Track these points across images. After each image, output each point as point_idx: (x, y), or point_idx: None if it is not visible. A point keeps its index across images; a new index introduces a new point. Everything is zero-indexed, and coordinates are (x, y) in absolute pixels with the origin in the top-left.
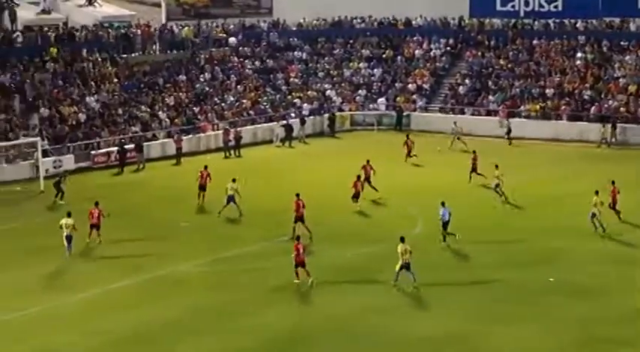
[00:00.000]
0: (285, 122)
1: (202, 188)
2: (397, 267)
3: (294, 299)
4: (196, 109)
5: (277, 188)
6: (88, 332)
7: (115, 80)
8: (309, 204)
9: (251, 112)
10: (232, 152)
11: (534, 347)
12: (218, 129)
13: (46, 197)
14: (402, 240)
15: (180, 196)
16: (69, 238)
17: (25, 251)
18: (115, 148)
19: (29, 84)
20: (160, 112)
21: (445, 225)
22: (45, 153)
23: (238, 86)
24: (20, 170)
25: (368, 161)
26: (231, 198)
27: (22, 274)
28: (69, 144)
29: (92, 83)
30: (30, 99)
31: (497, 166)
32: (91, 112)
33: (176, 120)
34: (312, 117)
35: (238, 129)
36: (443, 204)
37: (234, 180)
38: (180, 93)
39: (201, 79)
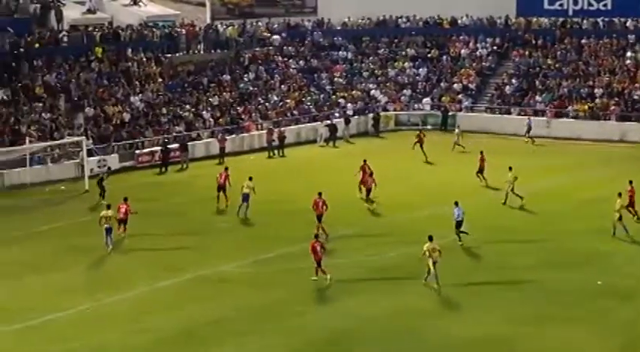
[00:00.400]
0: (329, 122)
1: (221, 189)
2: (431, 266)
3: (334, 300)
4: (240, 109)
5: (319, 188)
6: (134, 331)
7: (160, 80)
8: (351, 204)
9: (295, 112)
10: (276, 152)
11: (578, 349)
12: (262, 129)
13: (91, 196)
14: (430, 238)
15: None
16: (108, 230)
17: (70, 250)
18: (159, 148)
19: (74, 83)
20: (204, 112)
21: (459, 224)
22: (90, 153)
23: (282, 86)
24: (65, 169)
25: (365, 161)
26: (246, 197)
27: (67, 273)
28: (113, 144)
29: (137, 83)
30: (75, 99)
31: (510, 168)
32: (136, 112)
33: (220, 119)
34: (356, 117)
35: (282, 128)
36: (456, 203)
37: (250, 179)
38: (225, 93)
39: (245, 79)
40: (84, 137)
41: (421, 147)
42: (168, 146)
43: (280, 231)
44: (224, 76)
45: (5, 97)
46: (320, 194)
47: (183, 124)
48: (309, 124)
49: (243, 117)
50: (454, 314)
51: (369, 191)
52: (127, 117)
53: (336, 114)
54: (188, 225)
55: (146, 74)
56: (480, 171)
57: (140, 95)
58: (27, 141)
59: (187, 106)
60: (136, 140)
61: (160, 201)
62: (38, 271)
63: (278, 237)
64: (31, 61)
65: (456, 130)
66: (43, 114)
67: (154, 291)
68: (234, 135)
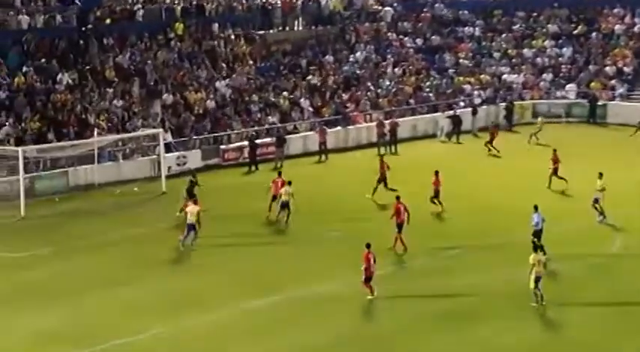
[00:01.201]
0: (452, 112)
1: (275, 199)
2: (531, 284)
3: (461, 328)
4: (345, 96)
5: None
6: None
7: (250, 61)
8: (487, 213)
9: (411, 101)
10: (387, 148)
11: None
12: (371, 121)
13: (168, 199)
14: (536, 249)
15: (325, 201)
16: (191, 227)
17: (142, 262)
18: (247, 142)
19: (151, 65)
20: (302, 100)
21: (537, 234)
22: (167, 148)
23: (396, 69)
24: (139, 167)
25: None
26: (285, 204)
27: (138, 289)
28: (195, 137)
29: (223, 65)
30: (151, 84)
31: (600, 175)
32: (221, 99)
33: (321, 109)
34: (485, 106)
35: (395, 120)
36: (536, 208)
37: (289, 183)
38: (327, 77)
39: (352, 60)
40: (161, 129)
41: (491, 144)
42: (256, 141)
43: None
44: (326, 56)
45: (71, 82)
46: (398, 198)
47: (278, 114)
48: (427, 115)
49: (348, 106)
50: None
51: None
52: (211, 105)
53: (461, 104)
54: (283, 234)
55: (234, 55)
56: (555, 172)
57: (227, 80)
58: (95, 133)
59: (283, 93)
60: (222, 133)
61: (249, 205)
62: (104, 287)
63: (391, 251)
64: (100, 40)
65: (539, 119)
66: (115, 102)
67: (241, 313)
68: (337, 128)
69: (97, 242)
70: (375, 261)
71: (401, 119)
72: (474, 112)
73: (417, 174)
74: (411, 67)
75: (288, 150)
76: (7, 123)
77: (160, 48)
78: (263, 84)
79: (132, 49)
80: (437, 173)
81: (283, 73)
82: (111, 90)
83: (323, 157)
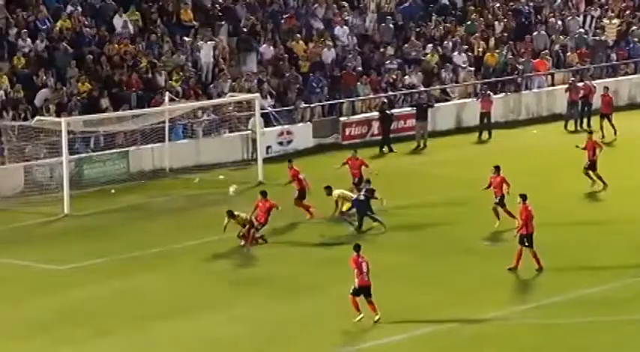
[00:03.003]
0: None
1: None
2: None
3: None
4: (520, 46)
5: None
6: None
7: None
8: None
9: (612, 56)
10: (577, 122)
11: None
12: (553, 84)
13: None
14: None
15: (476, 197)
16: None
17: (233, 279)
18: (377, 114)
19: (243, 5)
20: (456, 53)
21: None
22: (266, 120)
23: (592, 8)
24: (226, 147)
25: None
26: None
27: (227, 315)
28: (304, 106)
29: (344, 3)
30: (243, 29)
31: None
32: (342, 52)
33: (482, 66)
34: None
35: (590, 83)
36: None
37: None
38: (490, 16)
39: None
40: (257, 94)
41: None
42: (390, 111)
43: (594, 256)
44: None
45: (131, 27)
46: (524, 198)
47: (419, 74)
48: (636, 76)
49: (521, 59)
50: None
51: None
52: (329, 56)
53: None
54: (425, 243)
55: None
56: (590, 166)
57: (353, 19)
58: (166, 99)
59: (428, 45)
60: (342, 100)
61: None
62: (177, 312)
63: (587, 268)
64: None
65: None
66: (192, 54)
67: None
68: (505, 94)
69: (167, 251)
70: (368, 269)
71: (605, 80)
72: None
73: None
74: (613, 6)
75: (434, 125)
76: (46, 85)
77: None
78: (401, 30)
79: None
80: None
81: (430, 16)
82: (188, 40)
83: (484, 135)
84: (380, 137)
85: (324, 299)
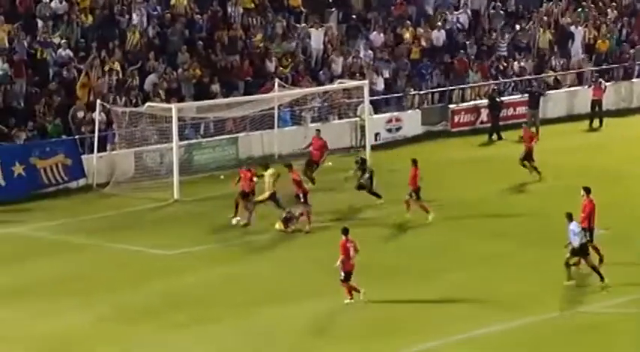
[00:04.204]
0: None
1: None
2: None
3: None
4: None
5: None
6: None
7: None
8: None
9: None
10: None
11: None
12: None
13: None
14: None
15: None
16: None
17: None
18: (486, 100)
19: None
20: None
21: (579, 250)
22: (375, 107)
23: None
24: (335, 133)
25: None
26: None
27: (336, 304)
28: (412, 93)
29: None
30: (352, 17)
31: None
32: (455, 34)
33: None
34: None
35: None
36: (570, 217)
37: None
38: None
39: None
40: (365, 81)
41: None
42: (499, 98)
43: None
44: None
45: (242, 12)
46: (587, 190)
47: (531, 59)
48: None
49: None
50: None
51: None
52: (439, 38)
53: None
54: (526, 231)
55: None
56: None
57: (464, 5)
58: (276, 85)
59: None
60: (452, 87)
61: (480, 188)
62: (284, 300)
63: None
64: None
65: None
66: (302, 41)
67: (463, 344)
68: (615, 82)
69: (274, 237)
70: (356, 252)
71: None
72: None
73: None
74: None
75: (544, 112)
76: (155, 70)
77: None
78: (512, 16)
79: None
80: None
81: (542, 2)
82: (301, 26)
83: (595, 123)
84: (489, 124)
85: (434, 287)
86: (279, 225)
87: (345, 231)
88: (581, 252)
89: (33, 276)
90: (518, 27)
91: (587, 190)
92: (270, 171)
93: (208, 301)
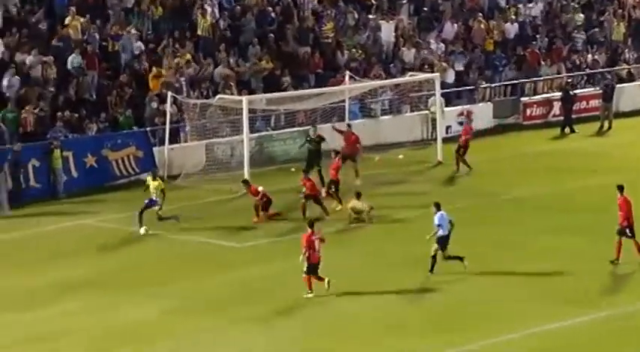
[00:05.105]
0: None
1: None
2: None
3: None
4: None
5: None
6: None
7: None
8: None
9: None
10: None
11: None
12: None
13: (445, 172)
14: None
15: None
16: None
17: (410, 260)
18: (558, 93)
19: None
20: None
21: (442, 241)
22: (447, 100)
23: None
24: (406, 126)
25: None
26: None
27: (405, 298)
28: (484, 86)
29: None
30: (424, 10)
31: None
32: (529, 24)
33: None
34: None
35: None
36: (438, 206)
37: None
38: None
39: None
40: (437, 74)
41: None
42: (572, 92)
43: None
44: None
45: (316, 3)
46: (621, 189)
47: (605, 51)
48: None
49: None
50: None
51: None
52: (512, 31)
53: None
54: (609, 228)
55: None
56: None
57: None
58: (347, 77)
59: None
60: (523, 80)
61: (555, 183)
62: (354, 292)
63: None
64: None
65: None
66: (373, 33)
67: (533, 338)
68: None
69: (345, 229)
70: (322, 243)
71: None
72: None
73: None
74: None
75: (617, 106)
76: (225, 61)
77: None
78: (588, 3)
79: None
80: None
81: None
82: (372, 16)
83: None
84: (561, 118)
85: (502, 281)
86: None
87: (311, 224)
88: (441, 242)
89: (100, 267)
90: (591, 19)
91: (621, 188)
92: (156, 183)
93: (280, 293)
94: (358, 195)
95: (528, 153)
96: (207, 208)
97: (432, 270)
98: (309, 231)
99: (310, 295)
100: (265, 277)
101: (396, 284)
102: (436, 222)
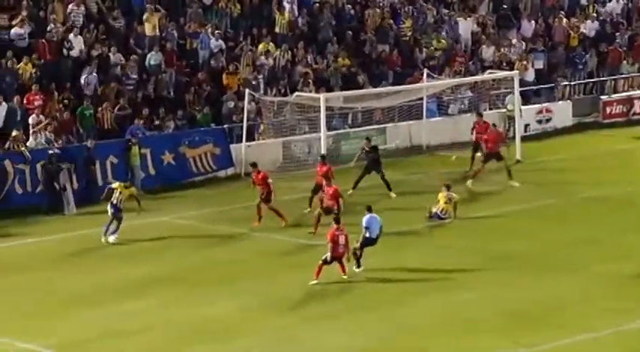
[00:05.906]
0: None
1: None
2: None
3: None
4: None
5: None
6: None
7: None
8: None
9: None
10: None
11: None
12: None
13: (525, 171)
14: None
15: None
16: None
17: (489, 256)
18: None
19: None
20: None
21: (368, 243)
22: (525, 98)
23: None
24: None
25: None
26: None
27: (481, 294)
28: (564, 84)
29: None
30: (503, 7)
31: None
32: (605, 22)
33: None
34: None
35: None
36: (369, 209)
37: None
38: None
39: None
40: (515, 71)
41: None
42: None
43: None
44: None
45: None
46: None
47: None
48: None
49: None
50: None
51: None
52: (592, 29)
53: None
54: None
55: None
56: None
57: None
58: (424, 75)
59: None
60: (604, 78)
61: (634, 182)
62: (431, 290)
63: None
64: None
65: None
66: (452, 30)
67: (610, 338)
68: None
69: (418, 229)
70: (347, 241)
71: None
72: None
73: None
74: None
75: None
76: (304, 60)
77: None
78: None
79: None
80: None
81: None
82: (451, 13)
83: None
84: None
85: (579, 280)
86: None
87: (337, 221)
88: (366, 244)
89: (177, 264)
90: None
91: None
92: (128, 191)
93: (354, 291)
94: (448, 187)
95: (608, 151)
96: (284, 206)
97: (358, 266)
98: (334, 226)
99: (314, 282)
100: (338, 275)
101: (473, 281)
102: (364, 224)
